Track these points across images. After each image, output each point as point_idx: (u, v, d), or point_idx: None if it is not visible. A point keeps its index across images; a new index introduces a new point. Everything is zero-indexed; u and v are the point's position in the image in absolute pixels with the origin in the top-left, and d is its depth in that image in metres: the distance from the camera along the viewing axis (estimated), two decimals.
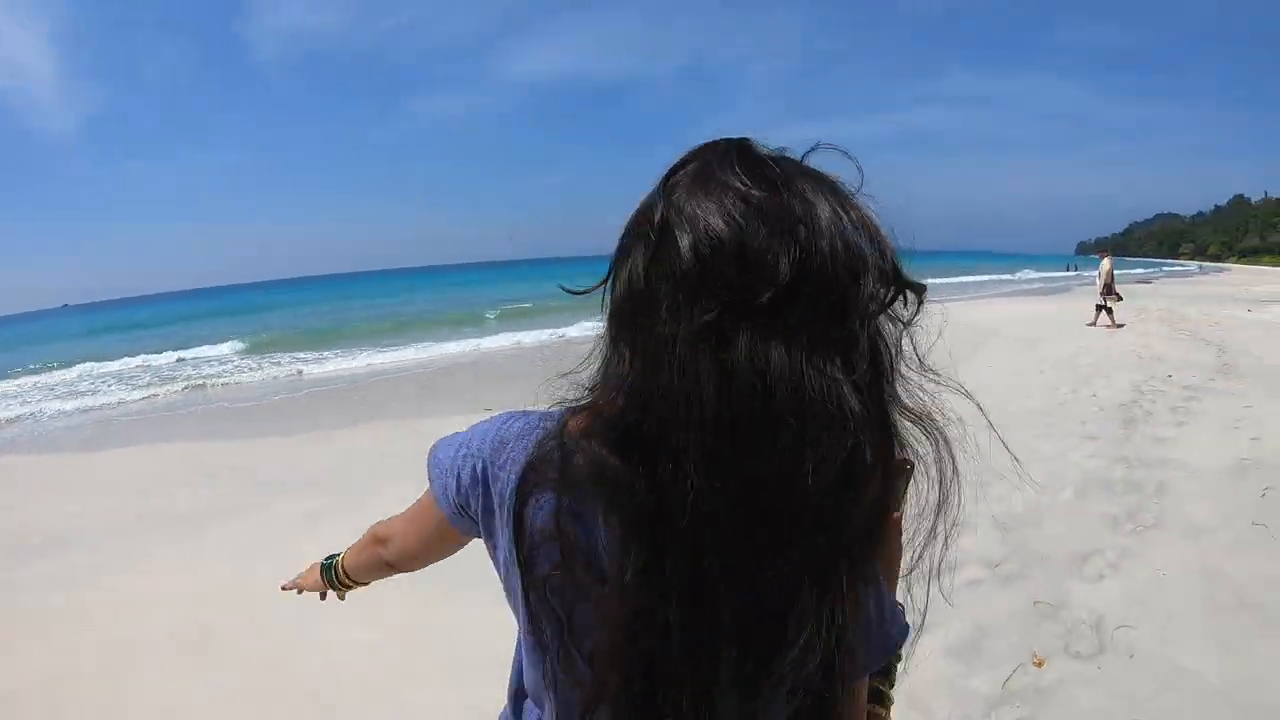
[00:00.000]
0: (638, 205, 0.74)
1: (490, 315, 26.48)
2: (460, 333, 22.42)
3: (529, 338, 19.82)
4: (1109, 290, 16.28)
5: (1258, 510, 4.81)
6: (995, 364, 11.40)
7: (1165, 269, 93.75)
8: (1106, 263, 16.62)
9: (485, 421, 0.87)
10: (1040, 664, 3.20)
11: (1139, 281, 48.03)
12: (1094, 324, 16.12)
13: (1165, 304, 23.84)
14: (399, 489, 6.55)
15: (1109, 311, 16.20)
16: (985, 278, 52.38)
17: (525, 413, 0.86)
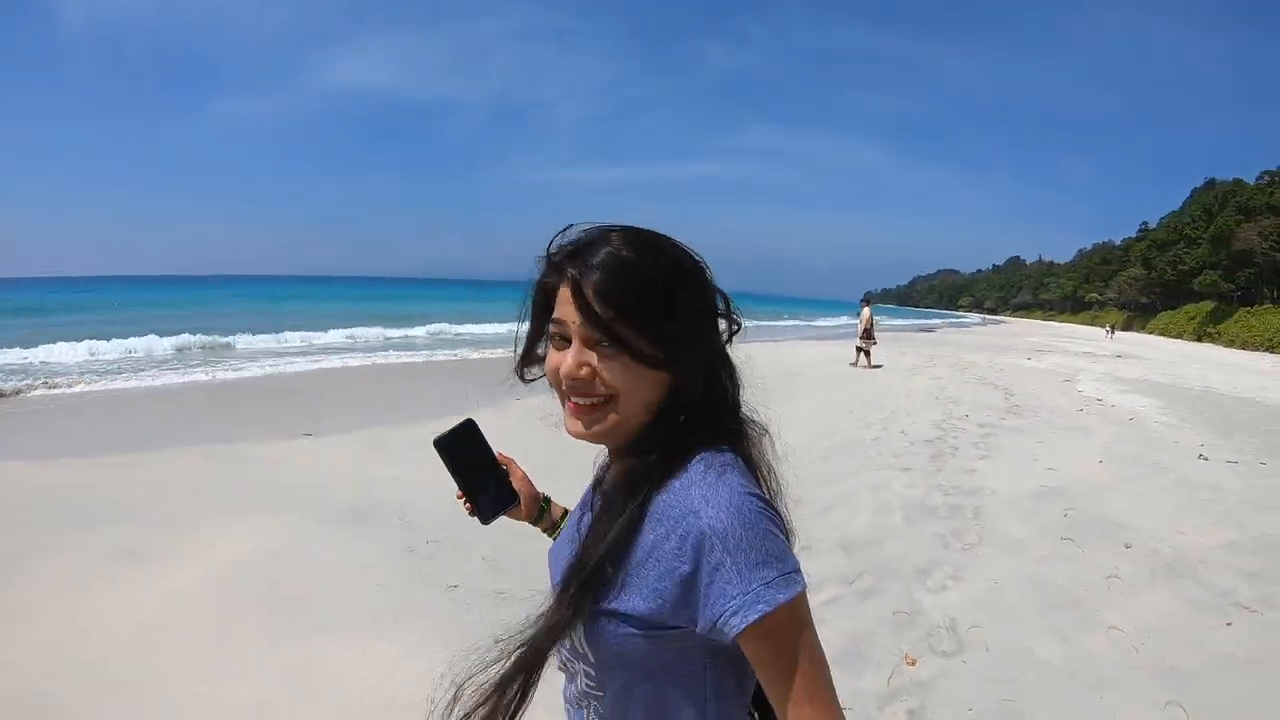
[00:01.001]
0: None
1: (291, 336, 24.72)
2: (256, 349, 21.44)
3: (336, 360, 19.08)
4: (868, 335, 18.85)
5: (1063, 528, 5.70)
6: (807, 402, 12.43)
7: (948, 319, 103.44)
8: (867, 311, 19.31)
9: (736, 471, 0.98)
10: (913, 663, 3.69)
11: (922, 330, 52.88)
12: (855, 364, 18.51)
13: (953, 351, 26.58)
14: (228, 523, 6.06)
15: (866, 354, 18.72)
16: (788, 322, 55.68)
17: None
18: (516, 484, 1.33)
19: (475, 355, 20.66)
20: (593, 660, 0.99)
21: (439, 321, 31.62)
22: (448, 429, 1.22)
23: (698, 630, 0.90)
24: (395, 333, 27.55)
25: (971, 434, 9.55)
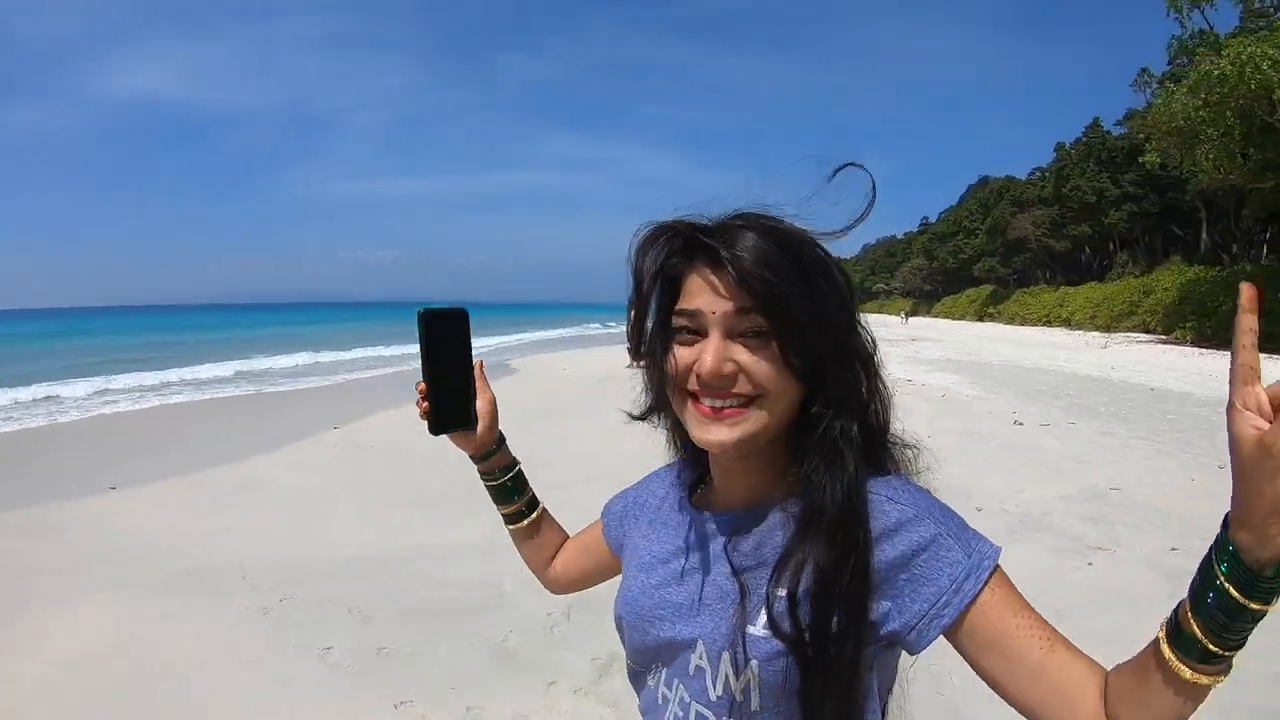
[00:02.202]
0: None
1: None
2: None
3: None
4: None
5: None
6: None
7: None
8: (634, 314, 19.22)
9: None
10: None
11: None
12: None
13: None
14: (60, 609, 5.13)
15: None
16: (590, 330, 56.29)
17: None
18: (482, 406, 1.16)
19: (276, 389, 18.86)
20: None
21: (242, 357, 29.07)
22: (443, 307, 1.06)
23: (911, 614, 0.85)
24: (194, 372, 24.82)
25: None
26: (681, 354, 0.87)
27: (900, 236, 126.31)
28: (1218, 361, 23.88)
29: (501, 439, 1.21)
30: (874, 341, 0.94)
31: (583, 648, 3.80)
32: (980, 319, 67.23)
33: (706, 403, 0.86)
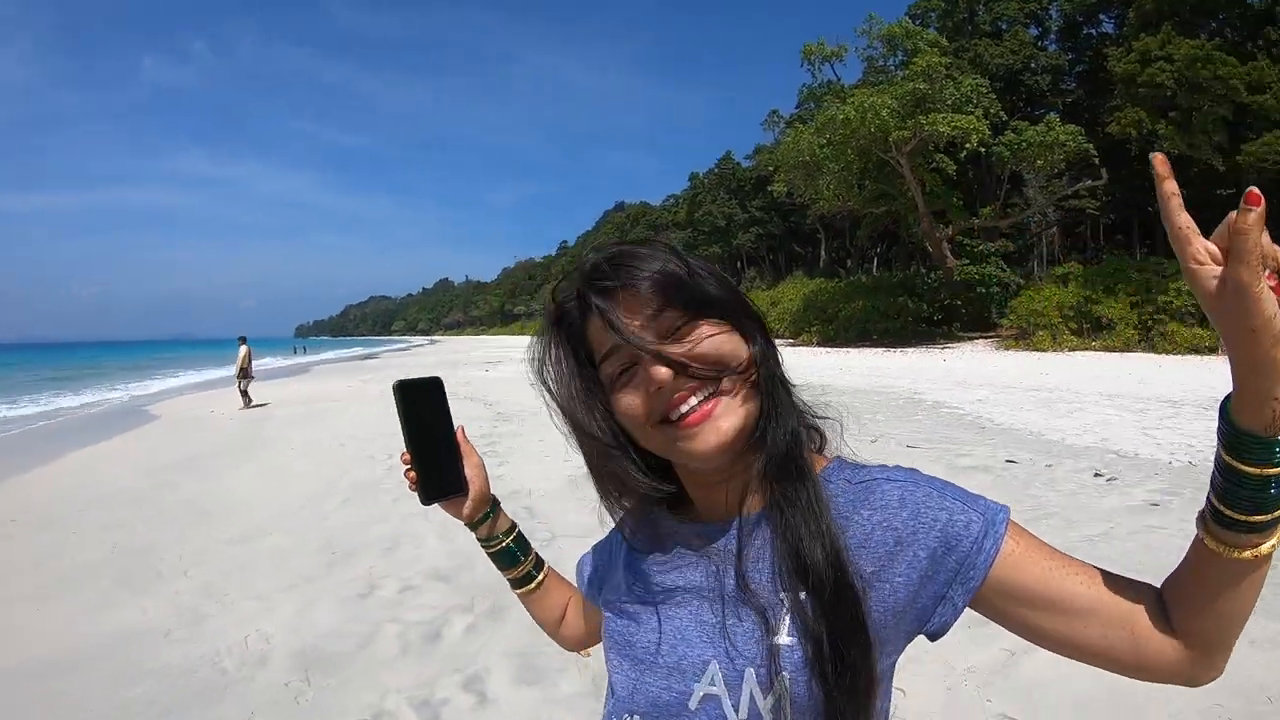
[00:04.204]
0: None
1: None
2: None
3: None
4: (245, 374, 18.14)
5: None
6: (300, 439, 11.74)
7: (388, 344, 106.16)
8: (244, 349, 18.37)
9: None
10: (588, 654, 3.69)
11: (368, 358, 53.50)
12: (245, 407, 17.60)
13: (413, 373, 27.16)
14: None
15: (245, 393, 18.03)
16: (221, 372, 51.46)
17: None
18: (470, 471, 1.10)
19: None
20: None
21: None
22: (416, 377, 1.05)
23: (938, 584, 0.83)
24: None
25: (477, 446, 9.62)
26: (628, 395, 0.86)
27: (540, 259, 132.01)
28: (842, 358, 27.72)
29: (495, 504, 1.15)
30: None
31: (340, 711, 3.44)
32: None
33: (684, 409, 0.83)
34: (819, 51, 36.81)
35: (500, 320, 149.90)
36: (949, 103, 31.08)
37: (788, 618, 0.82)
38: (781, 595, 0.84)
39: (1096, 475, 7.18)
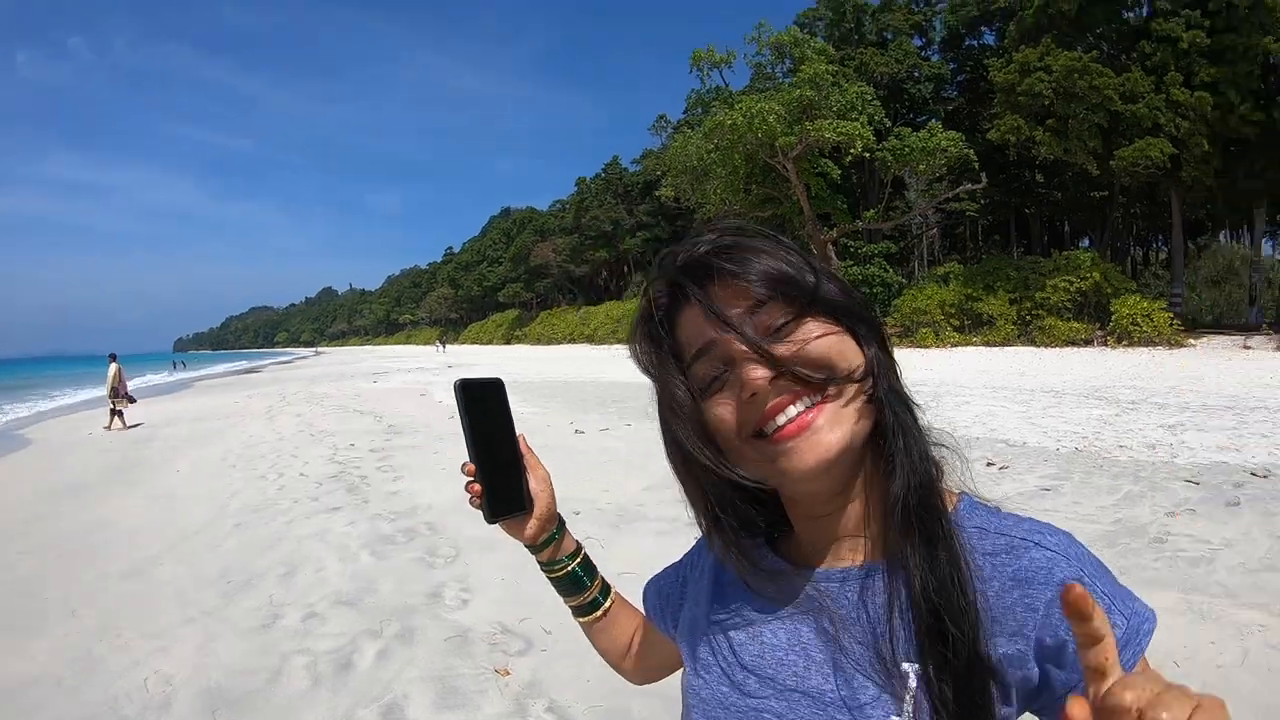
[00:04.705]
0: None
1: None
2: None
3: None
4: (117, 394, 17.20)
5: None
6: (185, 463, 11.04)
7: (272, 357, 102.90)
8: (114, 367, 17.46)
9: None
10: (507, 673, 3.65)
11: (251, 371, 51.71)
12: (109, 427, 16.70)
13: (299, 387, 26.39)
14: None
15: (119, 414, 17.10)
16: (100, 391, 48.50)
17: None
18: (536, 485, 0.97)
19: None
20: None
21: None
22: (479, 376, 0.93)
23: (1058, 682, 0.71)
24: None
25: (370, 460, 9.66)
26: (718, 405, 0.74)
27: (425, 267, 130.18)
28: None
29: (561, 524, 1.02)
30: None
31: None
32: (508, 342, 72.67)
33: (780, 420, 0.71)
34: (708, 58, 37.28)
35: (385, 330, 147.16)
36: (835, 109, 31.87)
37: (911, 696, 0.71)
38: (905, 667, 0.72)
39: (989, 465, 7.39)
